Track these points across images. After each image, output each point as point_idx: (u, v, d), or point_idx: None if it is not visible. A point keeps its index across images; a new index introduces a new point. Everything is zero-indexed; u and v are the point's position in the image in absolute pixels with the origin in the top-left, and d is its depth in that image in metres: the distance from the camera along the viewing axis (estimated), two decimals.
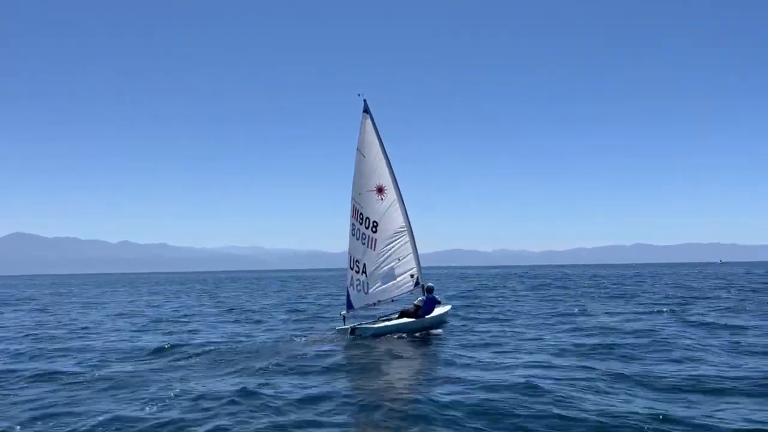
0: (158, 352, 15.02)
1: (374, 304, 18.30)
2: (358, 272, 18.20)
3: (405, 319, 17.77)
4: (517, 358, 13.04)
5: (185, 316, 26.48)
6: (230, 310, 29.41)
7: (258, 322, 22.59)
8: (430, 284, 18.71)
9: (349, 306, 18.21)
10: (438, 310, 18.77)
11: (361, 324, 17.42)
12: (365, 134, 18.11)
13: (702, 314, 21.33)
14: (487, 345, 15.07)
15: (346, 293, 18.42)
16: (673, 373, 10.97)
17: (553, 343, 15.10)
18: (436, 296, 18.85)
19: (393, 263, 18.38)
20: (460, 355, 13.64)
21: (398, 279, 18.45)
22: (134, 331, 20.57)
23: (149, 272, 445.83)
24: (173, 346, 15.59)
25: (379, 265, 18.22)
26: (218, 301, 37.26)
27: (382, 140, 18.06)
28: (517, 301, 31.19)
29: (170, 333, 19.40)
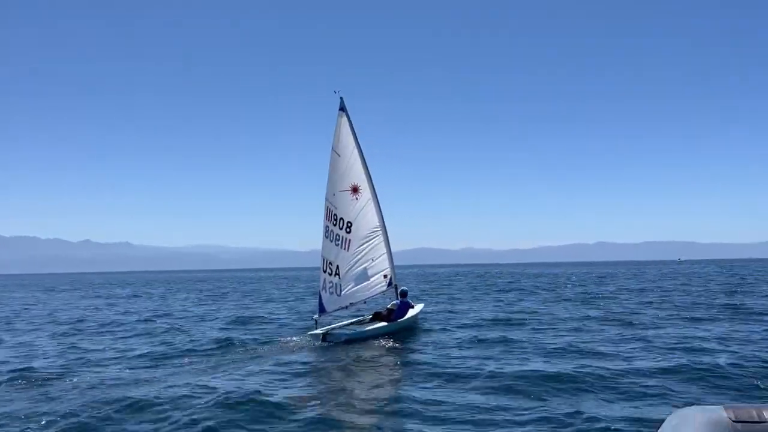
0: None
1: (347, 306, 17.81)
2: (331, 274, 17.68)
3: (377, 324, 17.33)
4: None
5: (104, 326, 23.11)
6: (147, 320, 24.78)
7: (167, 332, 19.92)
8: (403, 288, 18.46)
9: (322, 310, 17.63)
10: (411, 312, 18.40)
11: (333, 330, 16.83)
12: (341, 133, 17.57)
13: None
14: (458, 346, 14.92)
15: (318, 297, 17.85)
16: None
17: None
18: (410, 300, 18.50)
19: (366, 264, 18.00)
20: (432, 355, 13.52)
21: (371, 279, 18.09)
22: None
23: (110, 272, 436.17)
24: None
25: (352, 266, 17.77)
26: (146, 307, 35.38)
27: (358, 138, 17.60)
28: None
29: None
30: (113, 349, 16.38)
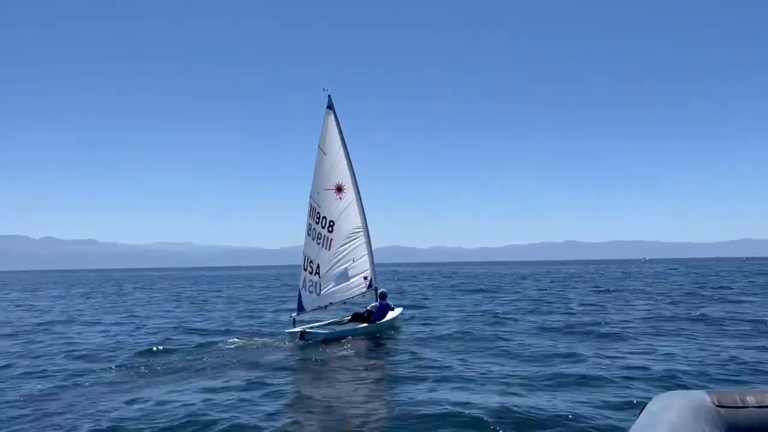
0: None
1: (326, 306, 17.72)
2: (311, 273, 17.59)
3: (356, 324, 17.30)
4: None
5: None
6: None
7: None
8: (383, 290, 18.41)
9: (300, 308, 17.52)
10: (390, 315, 18.37)
11: (311, 328, 16.73)
12: (327, 131, 17.49)
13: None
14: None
15: (297, 295, 17.74)
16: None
17: None
18: (389, 302, 18.48)
19: (347, 264, 17.94)
20: (410, 359, 13.47)
21: (351, 280, 18.02)
22: None
23: (73, 270, 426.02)
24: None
25: (333, 266, 17.70)
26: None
27: (345, 138, 17.53)
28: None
29: None
30: None
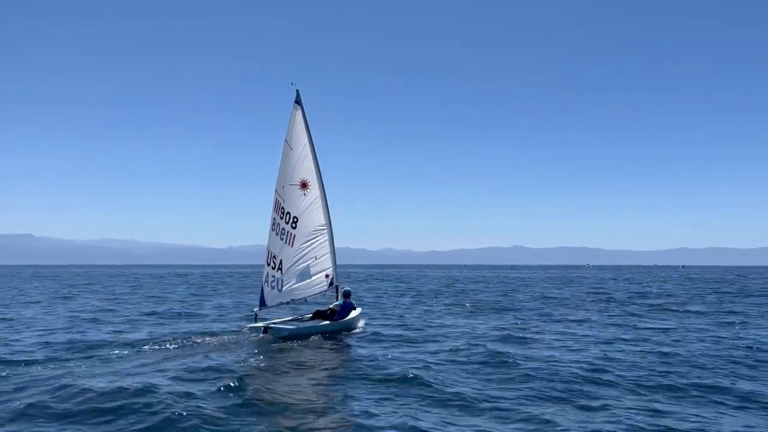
0: None
1: (288, 302, 17.62)
2: (273, 268, 17.41)
3: (320, 321, 17.21)
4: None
5: None
6: None
7: None
8: (347, 288, 18.36)
9: (262, 303, 17.36)
10: (353, 313, 18.33)
11: (275, 323, 16.56)
12: (294, 126, 17.34)
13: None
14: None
15: (260, 289, 17.54)
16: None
17: None
18: (353, 301, 18.45)
19: (309, 261, 17.83)
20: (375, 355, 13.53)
21: (313, 278, 17.93)
22: None
23: (7, 265, 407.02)
24: None
25: (295, 262, 17.56)
26: None
27: (311, 134, 17.38)
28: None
29: None
30: None
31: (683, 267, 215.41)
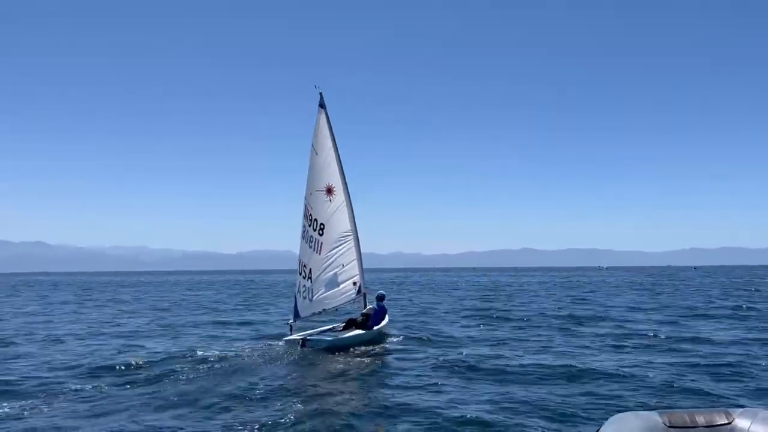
0: None
1: (320, 312, 17.17)
2: (305, 278, 17.04)
3: (358, 331, 16.65)
4: None
5: None
6: None
7: None
8: (381, 292, 17.90)
9: (296, 315, 17.01)
10: (387, 319, 17.89)
11: (311, 335, 16.04)
12: (319, 130, 16.99)
13: None
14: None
15: (294, 301, 17.16)
16: None
17: None
18: (386, 305, 17.91)
19: (337, 269, 17.36)
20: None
21: (341, 286, 17.45)
22: None
23: (20, 273, 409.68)
24: None
25: (323, 271, 17.14)
26: None
27: (335, 138, 16.97)
28: None
29: None
30: None
31: (695, 268, 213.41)
